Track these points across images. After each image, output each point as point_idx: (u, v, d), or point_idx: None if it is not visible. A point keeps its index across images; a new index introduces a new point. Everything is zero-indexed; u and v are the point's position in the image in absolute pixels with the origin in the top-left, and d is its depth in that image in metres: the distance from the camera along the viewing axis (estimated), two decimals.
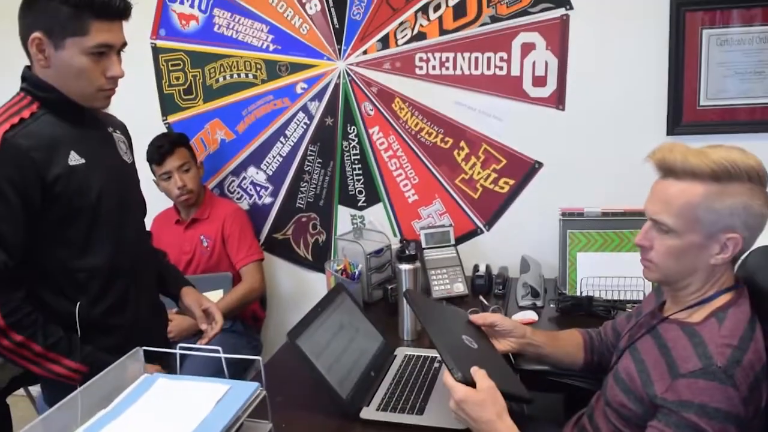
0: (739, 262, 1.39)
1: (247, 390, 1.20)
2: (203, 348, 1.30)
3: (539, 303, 2.14)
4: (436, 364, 1.72)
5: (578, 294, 2.14)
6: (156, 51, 2.76)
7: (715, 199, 1.18)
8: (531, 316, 2.06)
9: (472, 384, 1.28)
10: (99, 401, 1.21)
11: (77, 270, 1.51)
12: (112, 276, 1.56)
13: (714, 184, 1.18)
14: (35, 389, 2.95)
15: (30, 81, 1.49)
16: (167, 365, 1.66)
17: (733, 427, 1.11)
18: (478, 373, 1.30)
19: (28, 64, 1.50)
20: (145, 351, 1.29)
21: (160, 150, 2.49)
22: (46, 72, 1.46)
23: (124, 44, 1.50)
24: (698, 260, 1.23)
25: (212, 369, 1.59)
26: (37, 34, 1.41)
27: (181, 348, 1.27)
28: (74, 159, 1.47)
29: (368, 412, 1.52)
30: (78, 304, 1.49)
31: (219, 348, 1.24)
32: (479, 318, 1.61)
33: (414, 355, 1.78)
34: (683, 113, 2.26)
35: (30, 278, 1.46)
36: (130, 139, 1.75)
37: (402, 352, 1.81)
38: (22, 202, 1.39)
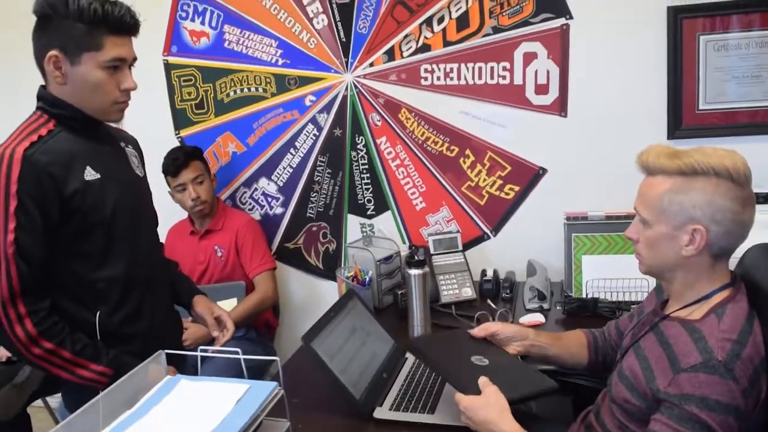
0: (738, 259, 1.43)
1: (265, 389, 1.26)
2: (224, 350, 1.36)
3: (546, 305, 2.19)
4: None
5: (584, 296, 2.18)
6: (168, 67, 2.83)
7: (679, 191, 1.25)
8: (538, 318, 2.10)
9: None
10: (123, 403, 1.26)
11: (96, 280, 1.55)
12: (129, 286, 1.61)
13: (680, 178, 1.25)
14: (53, 400, 3.01)
15: (46, 100, 1.54)
16: (183, 373, 1.71)
17: (733, 419, 1.14)
18: (481, 381, 1.40)
19: (43, 83, 1.56)
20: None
21: (175, 162, 2.56)
22: (62, 89, 1.51)
23: (135, 59, 1.57)
24: (671, 251, 1.29)
25: (229, 374, 1.65)
26: (53, 52, 1.47)
27: (202, 350, 1.33)
28: (90, 174, 1.52)
29: (381, 412, 1.57)
30: (98, 313, 1.55)
31: (238, 349, 1.29)
32: (480, 331, 1.65)
33: None
34: (683, 117, 2.31)
35: (50, 289, 1.51)
36: (141, 153, 1.81)
37: (412, 355, 1.86)
38: (42, 216, 1.44)
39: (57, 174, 1.46)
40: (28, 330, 1.43)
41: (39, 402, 2.75)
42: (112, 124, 1.67)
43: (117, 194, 1.58)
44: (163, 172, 2.57)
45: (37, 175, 1.43)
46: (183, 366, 1.69)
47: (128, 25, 1.51)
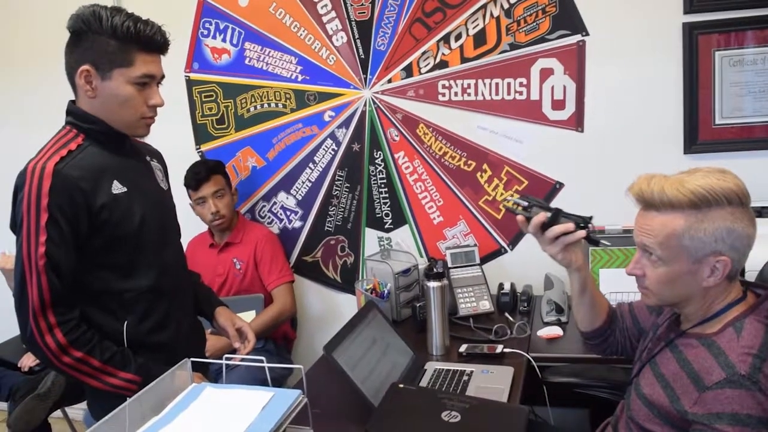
0: (757, 272, 1.44)
1: (289, 397, 1.28)
2: (248, 358, 1.38)
3: (563, 319, 2.20)
4: (465, 377, 1.78)
5: None
6: (190, 83, 2.89)
7: (698, 227, 1.20)
8: (556, 331, 2.11)
9: None
10: (149, 410, 1.29)
11: (123, 291, 1.58)
12: (156, 296, 1.63)
13: (694, 213, 1.21)
14: (71, 410, 3.04)
15: (75, 114, 1.58)
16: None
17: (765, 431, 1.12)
18: None
19: (72, 98, 1.60)
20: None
21: (196, 176, 2.61)
22: (92, 103, 1.55)
23: (163, 76, 1.61)
24: (691, 285, 1.26)
25: (252, 383, 1.67)
26: (85, 67, 1.51)
27: (227, 358, 1.36)
28: (117, 188, 1.56)
29: None
30: (125, 322, 1.58)
31: (263, 357, 1.32)
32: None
33: (443, 369, 1.84)
34: (699, 132, 2.32)
35: (79, 299, 1.54)
36: (165, 166, 1.85)
37: (432, 366, 1.88)
38: (72, 229, 1.48)
39: (86, 188, 1.49)
40: (58, 339, 1.46)
41: (58, 412, 2.78)
42: (138, 138, 1.71)
43: (143, 207, 1.61)
44: (185, 185, 2.62)
45: (68, 189, 1.47)
46: (204, 376, 1.72)
47: (159, 44, 1.55)
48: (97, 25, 1.48)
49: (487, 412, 1.52)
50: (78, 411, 3.06)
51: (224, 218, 2.66)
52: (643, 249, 1.30)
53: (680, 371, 1.26)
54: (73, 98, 1.61)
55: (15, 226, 1.50)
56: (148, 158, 1.76)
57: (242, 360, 1.70)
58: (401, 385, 1.62)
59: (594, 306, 1.58)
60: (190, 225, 2.61)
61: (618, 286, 2.19)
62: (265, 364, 1.32)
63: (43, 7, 3.02)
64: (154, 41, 1.53)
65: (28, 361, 2.71)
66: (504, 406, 1.58)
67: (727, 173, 1.23)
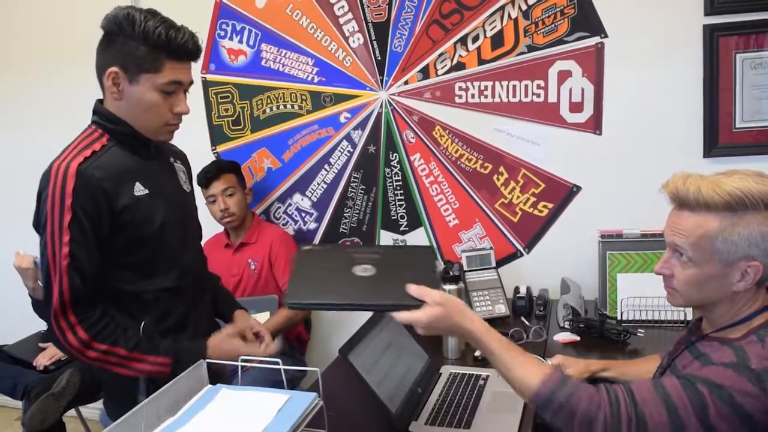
0: None
1: (305, 400, 1.28)
2: (264, 360, 1.38)
3: (581, 324, 2.18)
4: (481, 381, 1.77)
5: (592, 317, 2.17)
6: (206, 84, 2.90)
7: (732, 230, 1.18)
8: (573, 337, 2.09)
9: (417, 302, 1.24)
10: (165, 411, 1.29)
11: (142, 291, 1.59)
12: (175, 298, 1.64)
13: (729, 215, 1.18)
14: (85, 409, 3.05)
15: (101, 114, 1.58)
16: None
17: (738, 423, 1.09)
18: (412, 289, 1.25)
19: (100, 98, 1.60)
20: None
21: (207, 175, 2.64)
22: (118, 104, 1.56)
23: (191, 83, 1.60)
24: (720, 288, 1.24)
25: (266, 385, 1.67)
26: (114, 69, 1.51)
27: (243, 360, 1.35)
28: (139, 189, 1.56)
29: (417, 426, 1.57)
30: (143, 323, 1.57)
31: (279, 360, 1.31)
32: None
33: (459, 373, 1.83)
34: (719, 136, 2.29)
35: (101, 298, 1.54)
36: (189, 168, 1.85)
37: (447, 370, 1.86)
38: (94, 229, 1.48)
39: (109, 189, 1.50)
40: (80, 337, 1.47)
41: (72, 411, 2.79)
42: None
43: (165, 209, 1.61)
44: (198, 184, 2.63)
45: (91, 190, 1.47)
46: (220, 377, 1.72)
47: (189, 52, 1.54)
48: (130, 29, 1.48)
49: (398, 258, 1.47)
50: (92, 410, 3.08)
51: (234, 216, 2.67)
52: (673, 249, 1.27)
53: (694, 361, 1.24)
54: (100, 98, 1.61)
55: (39, 226, 1.50)
56: (171, 160, 1.76)
57: (258, 362, 1.69)
58: (306, 247, 1.51)
59: (639, 374, 1.61)
60: (208, 226, 2.61)
61: (636, 291, 2.17)
62: (281, 366, 1.31)
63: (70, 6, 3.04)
64: (184, 49, 1.52)
65: (43, 359, 2.73)
66: (411, 248, 1.58)
67: (765, 177, 1.20)
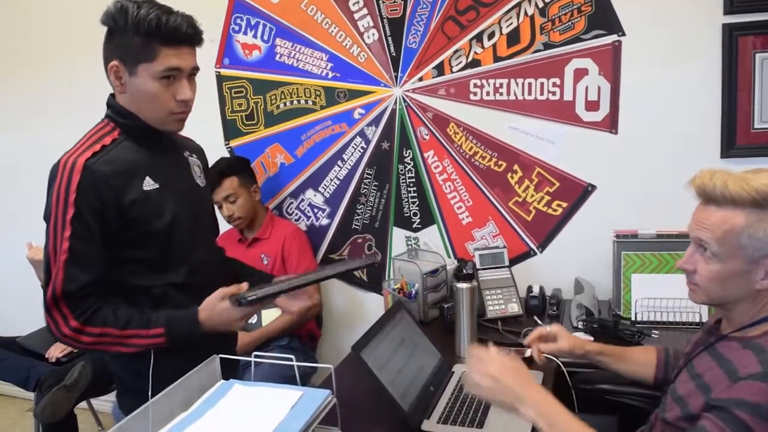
0: None
1: (319, 397, 1.27)
2: (277, 356, 1.37)
3: (594, 324, 2.16)
4: None
5: (634, 317, 2.16)
6: (220, 79, 2.90)
7: (758, 226, 1.18)
8: (586, 337, 2.07)
9: None
10: (178, 406, 1.29)
11: (152, 286, 1.58)
12: (185, 293, 1.63)
13: (755, 212, 1.18)
14: (96, 402, 3.07)
15: (113, 108, 1.59)
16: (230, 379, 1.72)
17: None
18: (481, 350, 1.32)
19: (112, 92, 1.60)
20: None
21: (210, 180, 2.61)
22: (123, 98, 1.56)
23: (195, 68, 1.58)
24: (743, 285, 1.23)
25: (275, 381, 1.66)
26: (114, 62, 1.51)
27: (256, 356, 1.35)
28: (148, 184, 1.55)
29: (429, 425, 1.57)
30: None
31: (292, 357, 1.31)
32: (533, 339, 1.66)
33: None
34: (737, 136, 2.26)
35: (102, 293, 1.53)
36: (206, 162, 1.84)
37: (459, 369, 1.86)
38: (99, 225, 1.48)
39: (116, 185, 1.49)
40: (71, 326, 1.48)
41: (83, 403, 2.80)
42: (180, 132, 1.70)
43: (175, 204, 1.60)
44: None
45: (96, 185, 1.47)
46: (231, 373, 1.71)
47: (183, 35, 1.51)
48: (123, 21, 1.47)
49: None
50: (103, 402, 3.10)
51: (240, 219, 2.68)
52: (698, 244, 1.27)
53: (716, 366, 1.23)
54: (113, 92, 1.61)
55: (46, 218, 1.51)
56: (186, 154, 1.75)
57: (272, 358, 1.69)
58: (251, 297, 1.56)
59: (635, 371, 1.62)
60: (223, 220, 2.62)
61: (651, 291, 2.15)
62: (294, 363, 1.31)
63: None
64: (177, 32, 1.49)
65: (55, 351, 2.74)
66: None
67: None
